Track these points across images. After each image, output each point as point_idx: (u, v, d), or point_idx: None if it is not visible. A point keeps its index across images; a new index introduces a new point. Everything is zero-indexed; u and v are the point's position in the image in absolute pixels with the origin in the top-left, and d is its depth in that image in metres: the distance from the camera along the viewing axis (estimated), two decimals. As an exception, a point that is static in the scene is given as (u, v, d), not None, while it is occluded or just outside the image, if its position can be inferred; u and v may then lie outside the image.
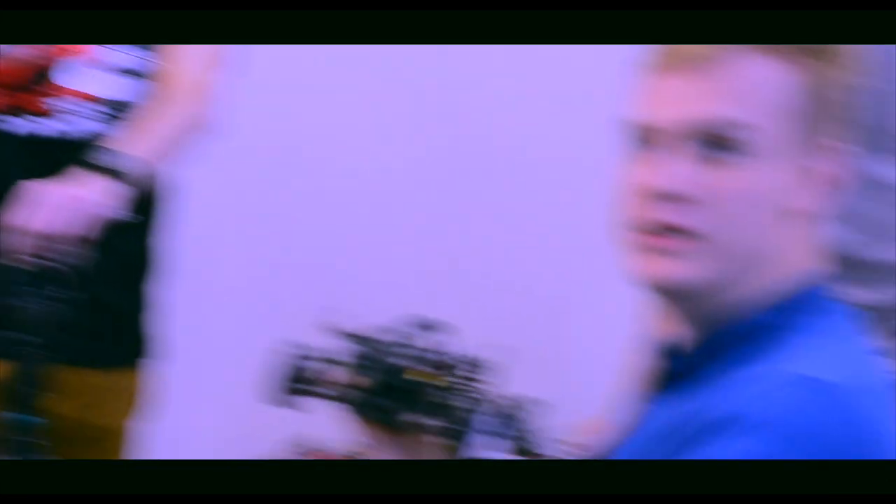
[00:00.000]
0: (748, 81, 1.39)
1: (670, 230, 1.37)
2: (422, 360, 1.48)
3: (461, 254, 3.03)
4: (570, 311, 3.02)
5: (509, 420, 1.47)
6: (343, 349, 1.51)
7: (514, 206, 3.08)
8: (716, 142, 1.38)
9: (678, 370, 1.43)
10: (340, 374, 1.50)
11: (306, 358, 1.50)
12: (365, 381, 1.48)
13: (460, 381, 1.48)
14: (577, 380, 3.15)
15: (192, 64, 2.34)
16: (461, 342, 1.48)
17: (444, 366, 1.47)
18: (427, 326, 1.48)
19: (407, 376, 1.46)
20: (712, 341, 1.41)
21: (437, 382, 1.46)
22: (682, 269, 1.37)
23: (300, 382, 1.50)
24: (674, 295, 1.40)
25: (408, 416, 1.46)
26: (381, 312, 1.59)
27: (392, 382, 1.46)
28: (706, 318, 1.41)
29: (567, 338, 3.17)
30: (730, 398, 1.32)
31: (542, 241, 3.06)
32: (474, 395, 1.51)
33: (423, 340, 1.53)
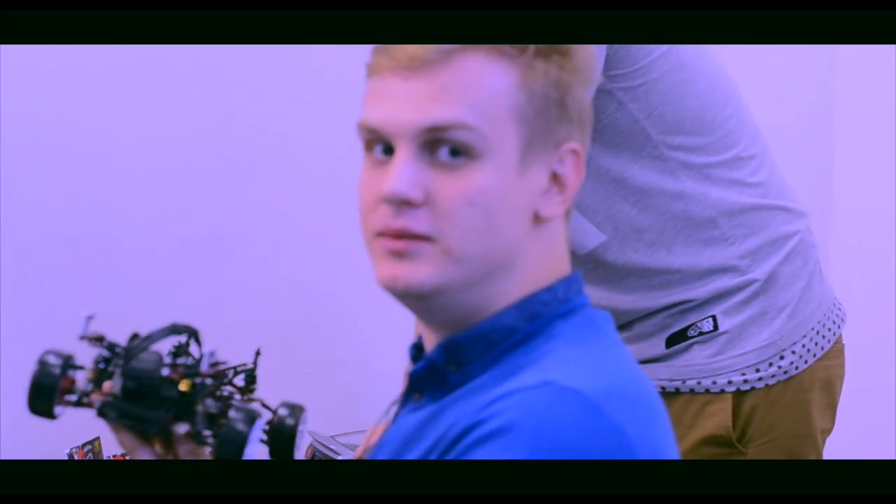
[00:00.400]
0: (468, 83, 1.36)
1: (401, 234, 1.35)
2: (170, 366, 1.46)
3: (222, 255, 3.01)
4: (346, 315, 3.01)
5: (256, 422, 1.46)
6: (93, 356, 1.49)
7: (282, 207, 3.02)
8: (439, 145, 1.36)
9: (422, 375, 1.42)
10: (90, 382, 1.49)
11: (56, 366, 1.47)
12: (113, 386, 1.47)
13: (210, 385, 1.47)
14: (345, 385, 3.15)
15: None
16: (210, 350, 1.47)
17: (190, 372, 1.46)
18: (175, 332, 1.46)
19: (152, 382, 1.44)
20: (457, 345, 1.39)
21: (183, 388, 1.45)
22: (415, 272, 1.35)
23: (50, 392, 1.47)
24: (413, 298, 1.38)
25: (156, 421, 1.45)
26: (136, 319, 1.59)
27: (138, 388, 1.44)
28: (452, 322, 1.39)
29: (341, 343, 3.17)
30: (489, 410, 1.30)
31: (311, 242, 3.00)
32: (225, 399, 1.50)
33: (172, 346, 1.51)
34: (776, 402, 2.04)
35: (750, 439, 2.05)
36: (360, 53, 1.47)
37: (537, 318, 1.39)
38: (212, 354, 1.47)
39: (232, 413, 1.45)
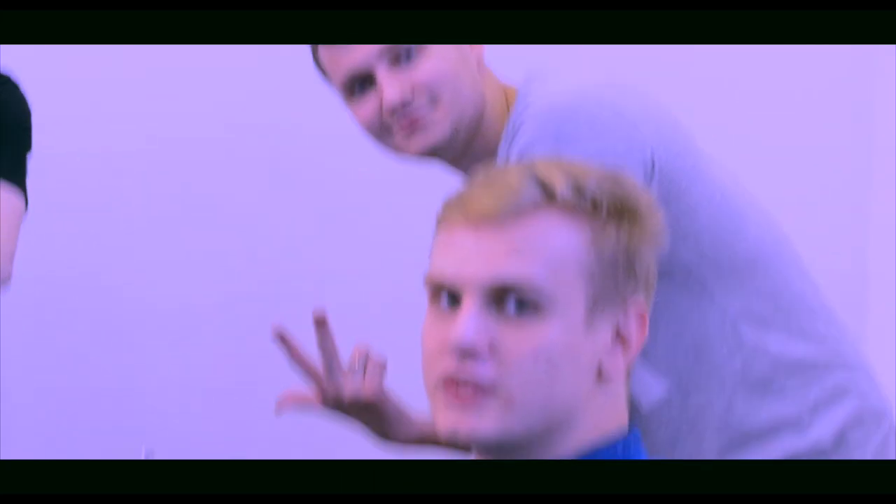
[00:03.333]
0: (540, 241, 1.39)
1: (467, 385, 1.38)
2: None
3: (230, 263, 3.00)
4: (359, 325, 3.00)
5: None
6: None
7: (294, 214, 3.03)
8: (506, 298, 1.39)
9: None
10: None
11: None
12: None
13: None
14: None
15: None
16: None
17: None
18: None
19: None
20: None
21: None
22: (478, 424, 1.38)
23: None
24: (479, 449, 1.41)
25: None
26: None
27: None
28: None
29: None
30: None
31: (322, 251, 3.01)
32: None
33: None
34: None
35: None
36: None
37: None
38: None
39: None
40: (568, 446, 1.41)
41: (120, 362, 2.91)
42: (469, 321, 1.38)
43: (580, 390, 1.40)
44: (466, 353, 1.38)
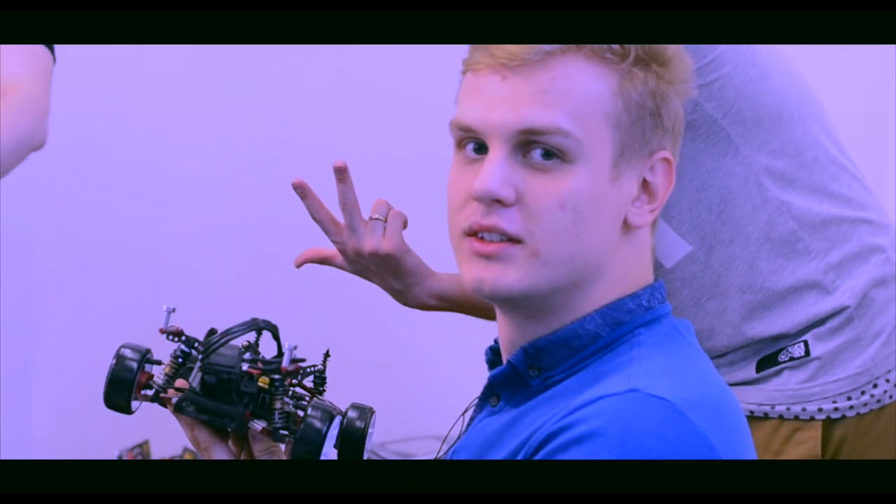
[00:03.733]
0: (567, 86, 1.36)
1: (493, 234, 1.36)
2: (249, 361, 1.44)
3: (263, 259, 2.98)
4: (391, 319, 2.97)
5: (334, 421, 1.44)
6: (171, 350, 1.47)
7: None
8: (532, 146, 1.35)
9: (502, 379, 1.42)
10: (167, 377, 1.46)
11: (134, 360, 1.45)
12: (192, 381, 1.45)
13: (286, 384, 1.45)
14: (394, 391, 3.13)
15: (19, 69, 2.17)
16: (292, 346, 1.45)
17: (270, 368, 1.44)
18: (255, 328, 1.45)
19: (232, 377, 1.42)
20: (539, 350, 1.39)
21: (261, 384, 1.43)
22: (503, 275, 1.36)
23: (128, 386, 1.45)
24: (500, 301, 1.39)
25: (235, 416, 1.43)
26: (213, 314, 1.55)
27: (217, 383, 1.42)
28: (536, 326, 1.40)
29: (388, 348, 3.13)
30: (575, 416, 1.30)
31: None
32: (301, 398, 1.48)
33: (251, 342, 1.50)
34: (867, 432, 1.99)
35: None
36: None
37: (621, 326, 1.39)
38: (293, 350, 1.45)
39: (310, 411, 1.44)
40: (592, 300, 1.39)
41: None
42: (495, 169, 1.35)
43: (606, 242, 1.37)
44: (492, 202, 1.35)
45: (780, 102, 1.96)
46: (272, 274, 3.00)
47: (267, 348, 1.51)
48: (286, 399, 1.45)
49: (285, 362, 1.43)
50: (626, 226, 1.39)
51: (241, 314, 1.58)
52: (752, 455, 1.38)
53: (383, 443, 3.01)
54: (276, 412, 1.43)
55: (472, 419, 1.47)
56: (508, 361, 1.41)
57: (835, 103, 2.14)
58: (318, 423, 1.43)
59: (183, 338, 1.46)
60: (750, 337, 1.99)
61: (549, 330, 1.39)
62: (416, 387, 3.16)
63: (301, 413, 1.45)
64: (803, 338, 1.97)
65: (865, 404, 1.98)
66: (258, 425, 1.43)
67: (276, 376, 1.43)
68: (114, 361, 1.45)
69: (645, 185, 1.40)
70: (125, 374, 1.45)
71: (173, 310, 1.46)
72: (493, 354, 1.49)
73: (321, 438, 1.43)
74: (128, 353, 1.46)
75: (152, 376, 1.47)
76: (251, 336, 1.50)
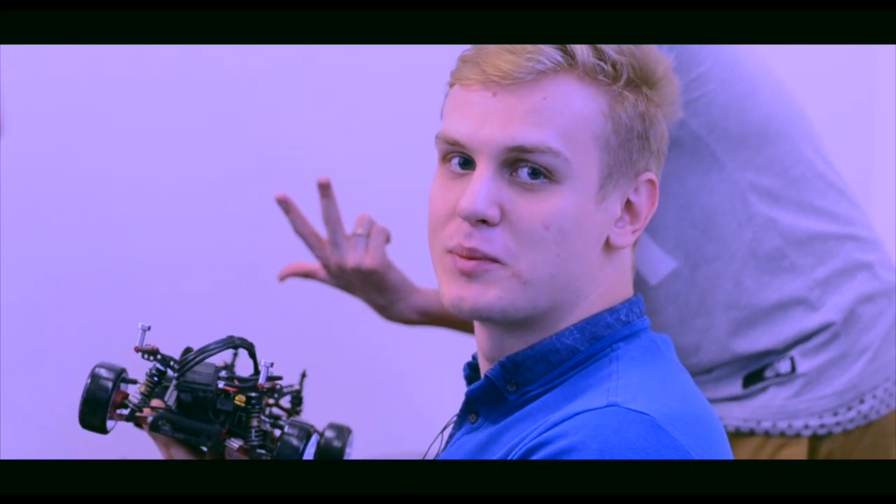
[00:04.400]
0: (558, 106, 1.35)
1: (475, 253, 1.35)
2: (226, 379, 1.43)
3: (244, 275, 2.96)
4: (374, 338, 2.96)
5: (311, 438, 1.44)
6: (147, 369, 1.46)
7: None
8: (520, 164, 1.34)
9: (480, 394, 1.41)
10: (143, 395, 1.45)
11: (109, 380, 1.44)
12: (167, 399, 1.44)
13: (263, 403, 1.44)
14: (389, 406, 3.11)
15: None
16: (268, 363, 1.44)
17: (247, 385, 1.42)
18: (231, 346, 1.43)
19: (208, 394, 1.41)
20: (517, 365, 1.39)
21: (238, 402, 1.42)
22: (483, 294, 1.35)
23: (103, 405, 1.44)
24: (482, 319, 1.38)
25: (211, 435, 1.42)
26: (190, 331, 1.53)
27: (193, 401, 1.42)
28: (513, 341, 1.39)
29: (371, 366, 3.11)
30: (553, 431, 1.29)
31: None
32: (278, 417, 1.48)
33: (228, 363, 1.49)
34: (854, 448, 1.97)
35: None
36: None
37: (599, 340, 1.39)
38: (270, 367, 1.44)
39: (287, 428, 1.43)
40: (572, 318, 1.38)
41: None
42: (482, 188, 1.34)
43: (588, 263, 1.37)
44: (477, 221, 1.34)
45: (767, 119, 1.95)
46: (250, 291, 2.97)
47: (243, 369, 1.49)
48: (263, 417, 1.44)
49: (262, 379, 1.42)
50: (608, 246, 1.39)
51: (219, 331, 1.57)
52: None
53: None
54: (253, 430, 1.42)
55: (451, 436, 1.46)
56: (486, 376, 1.40)
57: (819, 111, 2.13)
58: (295, 441, 1.42)
59: (158, 356, 1.45)
60: (736, 353, 1.97)
61: (527, 345, 1.39)
62: (395, 405, 3.13)
63: (278, 432, 1.44)
64: (789, 354, 1.96)
65: (852, 420, 1.96)
66: (235, 444, 1.42)
67: (253, 394, 1.42)
68: (89, 381, 1.44)
69: (628, 205, 1.39)
70: (100, 394, 1.43)
71: (148, 328, 1.44)
72: (472, 370, 1.48)
73: (298, 456, 1.42)
74: (103, 372, 1.44)
75: (127, 395, 1.45)
76: (227, 356, 1.49)
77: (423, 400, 2.99)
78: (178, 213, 2.96)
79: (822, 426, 1.96)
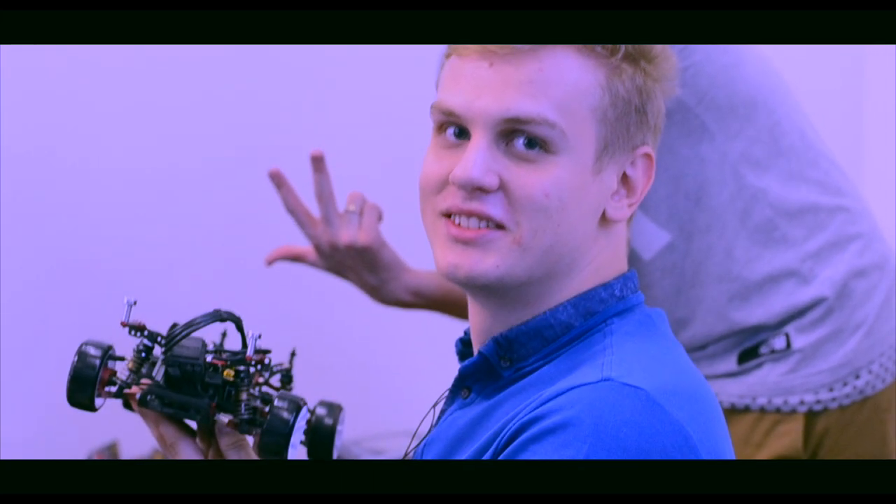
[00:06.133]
0: (555, 77, 1.35)
1: (471, 220, 1.35)
2: (214, 352, 1.42)
3: (235, 255, 2.95)
4: (364, 317, 2.94)
5: (301, 411, 1.42)
6: (134, 344, 1.45)
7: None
8: (516, 135, 1.34)
9: (473, 370, 1.41)
10: (131, 372, 1.44)
11: (96, 357, 1.42)
12: (155, 375, 1.43)
13: (251, 376, 1.42)
14: (379, 384, 3.10)
15: None
16: (256, 335, 1.43)
17: (235, 359, 1.41)
18: (218, 319, 1.42)
19: (196, 369, 1.39)
20: (511, 341, 1.38)
21: (227, 377, 1.40)
22: (480, 261, 1.35)
23: (91, 383, 1.42)
24: (474, 287, 1.37)
25: (200, 409, 1.40)
26: (178, 314, 1.51)
27: (181, 375, 1.40)
28: (507, 316, 1.39)
29: (362, 346, 3.10)
30: (547, 406, 1.29)
31: None
32: (267, 391, 1.46)
33: (216, 341, 1.48)
34: (850, 424, 1.96)
35: None
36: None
37: (593, 315, 1.38)
38: (258, 339, 1.43)
39: (276, 402, 1.42)
40: (566, 292, 1.38)
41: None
42: (478, 156, 1.34)
43: (584, 235, 1.37)
44: (474, 189, 1.34)
45: (754, 90, 1.95)
46: (240, 273, 2.96)
47: (232, 344, 1.47)
48: (252, 392, 1.42)
49: (250, 351, 1.41)
50: (604, 219, 1.39)
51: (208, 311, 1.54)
52: (728, 442, 1.37)
53: (356, 440, 2.96)
54: (243, 404, 1.41)
55: (442, 412, 1.46)
56: (480, 352, 1.40)
57: (805, 95, 2.12)
58: (285, 414, 1.41)
59: (145, 332, 1.43)
60: (730, 326, 1.97)
61: (521, 320, 1.38)
62: (387, 384, 3.12)
63: (267, 407, 1.43)
64: (784, 330, 1.95)
65: (848, 396, 1.95)
66: (224, 418, 1.41)
67: (242, 367, 1.40)
68: (76, 359, 1.43)
69: (625, 179, 1.39)
70: (88, 372, 1.42)
71: (134, 302, 1.43)
72: (464, 346, 1.48)
73: (289, 429, 1.41)
74: (90, 349, 1.43)
75: (115, 372, 1.44)
76: (217, 336, 1.47)
77: (416, 377, 2.97)
78: (169, 192, 2.94)
79: (818, 402, 1.95)
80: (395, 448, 2.91)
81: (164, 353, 1.40)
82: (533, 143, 1.34)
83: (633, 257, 1.92)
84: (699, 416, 1.31)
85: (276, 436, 1.40)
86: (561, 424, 1.26)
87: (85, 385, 1.41)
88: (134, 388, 1.41)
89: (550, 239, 1.35)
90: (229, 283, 2.96)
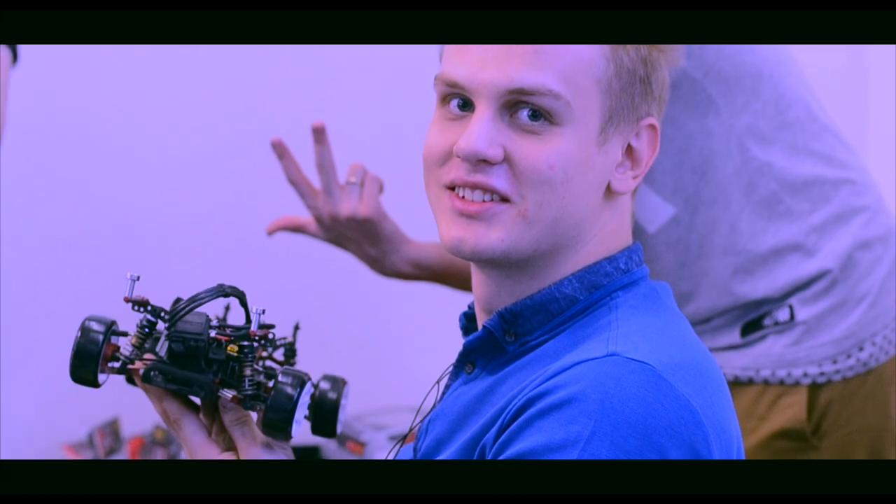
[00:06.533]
0: (559, 48, 1.34)
1: (475, 193, 1.34)
2: (217, 328, 1.41)
3: (239, 233, 2.95)
4: (368, 293, 2.94)
5: (305, 386, 1.41)
6: (137, 320, 1.44)
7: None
8: (521, 107, 1.34)
9: (478, 345, 1.40)
10: (135, 347, 1.43)
11: (100, 332, 1.41)
12: (159, 350, 1.41)
13: (256, 354, 1.42)
14: (384, 359, 3.09)
15: None
16: (260, 310, 1.41)
17: (239, 334, 1.40)
18: (222, 294, 1.40)
19: (200, 344, 1.38)
20: (516, 315, 1.38)
21: (230, 352, 1.39)
22: (485, 235, 1.34)
23: (94, 359, 1.41)
24: (480, 261, 1.37)
25: (205, 385, 1.39)
26: (181, 289, 1.51)
27: (185, 351, 1.39)
28: (512, 289, 1.38)
29: (364, 322, 3.10)
30: (553, 381, 1.28)
31: None
32: (271, 366, 1.47)
33: (220, 315, 1.49)
34: (854, 396, 1.96)
35: (825, 433, 1.98)
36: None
37: (598, 289, 1.38)
38: (261, 314, 1.41)
39: (280, 377, 1.41)
40: (571, 265, 1.37)
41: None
42: (482, 128, 1.33)
43: (589, 207, 1.36)
44: (478, 161, 1.33)
45: (760, 62, 1.94)
46: (243, 248, 2.95)
47: (235, 319, 1.46)
48: (256, 367, 1.42)
49: (254, 327, 1.40)
50: (609, 191, 1.38)
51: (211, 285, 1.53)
52: (732, 415, 1.37)
53: (359, 415, 2.96)
54: (247, 380, 1.40)
55: (447, 387, 1.45)
56: (484, 327, 1.39)
57: (809, 70, 2.11)
58: (289, 389, 1.40)
59: (149, 307, 1.42)
60: (734, 299, 1.97)
61: (526, 293, 1.38)
62: (391, 359, 3.11)
63: (271, 383, 1.42)
64: (788, 302, 1.94)
65: (851, 368, 1.95)
66: (228, 394, 1.40)
67: (245, 342, 1.40)
68: (79, 334, 1.42)
69: (629, 151, 1.38)
70: (91, 347, 1.41)
71: (137, 278, 1.42)
72: (468, 320, 1.47)
73: (293, 404, 1.40)
74: (93, 325, 1.42)
75: (118, 348, 1.43)
76: (220, 311, 1.46)
77: (416, 352, 2.98)
78: (170, 168, 2.94)
79: (822, 374, 1.94)
80: (397, 423, 2.91)
81: (168, 328, 1.39)
82: (537, 114, 1.33)
83: (637, 230, 1.92)
84: (704, 389, 1.31)
85: (280, 411, 1.39)
86: (567, 400, 1.25)
87: (88, 361, 1.40)
88: (137, 364, 1.41)
89: (555, 212, 1.34)
90: (232, 258, 2.96)
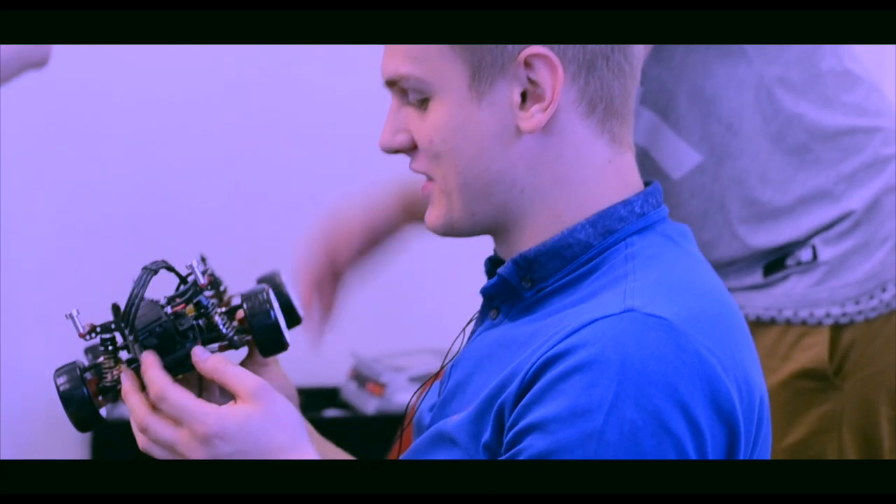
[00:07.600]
0: None
1: (422, 178, 1.41)
2: (169, 302, 1.41)
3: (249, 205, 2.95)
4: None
5: (272, 297, 1.43)
6: (99, 346, 1.44)
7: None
8: (407, 93, 1.38)
9: (495, 290, 1.41)
10: (111, 368, 1.43)
11: (74, 379, 1.41)
12: (136, 357, 1.42)
13: (210, 299, 1.43)
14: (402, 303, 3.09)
15: None
16: (197, 260, 1.43)
17: (189, 296, 1.41)
18: (150, 273, 1.41)
19: (166, 326, 1.39)
20: (529, 261, 1.38)
21: (190, 314, 1.40)
22: (429, 215, 1.40)
23: (86, 404, 1.41)
24: (445, 236, 1.41)
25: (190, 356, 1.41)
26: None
27: (159, 342, 1.39)
28: (517, 241, 1.39)
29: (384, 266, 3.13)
30: (572, 340, 1.28)
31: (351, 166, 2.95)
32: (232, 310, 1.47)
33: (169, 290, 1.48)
34: (876, 337, 1.97)
35: (847, 374, 1.98)
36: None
37: (612, 234, 1.37)
38: (202, 261, 1.46)
39: (245, 305, 1.43)
40: (546, 210, 1.37)
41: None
42: (387, 122, 1.41)
43: (500, 158, 1.36)
44: (397, 152, 1.40)
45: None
46: (267, 193, 2.96)
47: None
48: (220, 310, 1.43)
49: (202, 280, 1.41)
50: (529, 133, 1.36)
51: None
52: (755, 362, 1.36)
53: (376, 357, 2.97)
54: (221, 325, 1.42)
55: (472, 333, 1.46)
56: (498, 274, 1.40)
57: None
58: (259, 305, 1.42)
59: (98, 329, 1.43)
60: (756, 248, 1.97)
61: (536, 242, 1.38)
62: (411, 302, 3.12)
63: (241, 314, 1.44)
64: (811, 242, 1.93)
65: (874, 309, 1.95)
66: (216, 346, 1.42)
67: (198, 298, 1.41)
68: (58, 389, 1.42)
69: (532, 84, 1.35)
70: (76, 392, 1.41)
71: (77, 313, 1.42)
72: (492, 265, 1.47)
73: (274, 318, 1.42)
74: (63, 378, 1.42)
75: (99, 379, 1.43)
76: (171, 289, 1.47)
77: (437, 295, 2.98)
78: (170, 167, 2.94)
79: (844, 315, 1.94)
80: (415, 365, 2.93)
81: (130, 333, 1.40)
82: (414, 94, 1.38)
83: (661, 176, 1.91)
84: (725, 340, 1.31)
85: (266, 329, 1.42)
86: (587, 363, 1.26)
87: (82, 405, 1.41)
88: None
89: (458, 178, 1.37)
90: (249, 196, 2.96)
